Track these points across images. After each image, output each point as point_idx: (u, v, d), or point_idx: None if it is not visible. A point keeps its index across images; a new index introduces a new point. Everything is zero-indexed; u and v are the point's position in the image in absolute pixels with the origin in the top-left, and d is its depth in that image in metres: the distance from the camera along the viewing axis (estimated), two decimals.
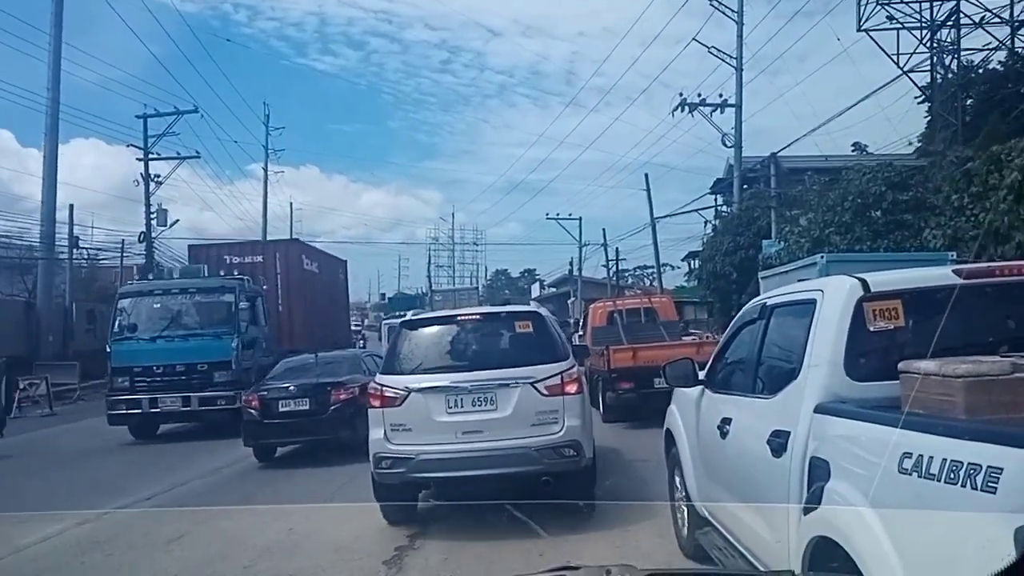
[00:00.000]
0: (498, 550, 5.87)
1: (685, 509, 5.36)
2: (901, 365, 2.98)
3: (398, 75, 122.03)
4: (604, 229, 45.74)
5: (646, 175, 35.74)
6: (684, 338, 14.14)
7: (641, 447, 9.16)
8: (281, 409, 10.57)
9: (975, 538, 2.05)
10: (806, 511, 3.07)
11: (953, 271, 3.59)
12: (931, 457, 2.33)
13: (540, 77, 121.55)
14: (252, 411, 10.66)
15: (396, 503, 6.89)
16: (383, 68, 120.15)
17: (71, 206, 29.14)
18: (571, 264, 49.99)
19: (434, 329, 7.41)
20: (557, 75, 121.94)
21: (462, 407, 6.67)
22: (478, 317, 7.75)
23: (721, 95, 26.26)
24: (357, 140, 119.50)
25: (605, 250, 44.96)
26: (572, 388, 6.79)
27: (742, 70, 26.13)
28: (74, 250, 29.13)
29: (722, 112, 25.88)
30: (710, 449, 4.76)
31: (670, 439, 5.73)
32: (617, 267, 46.22)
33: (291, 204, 52.84)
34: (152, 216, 28.61)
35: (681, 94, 26.25)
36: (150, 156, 28.31)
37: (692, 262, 35.61)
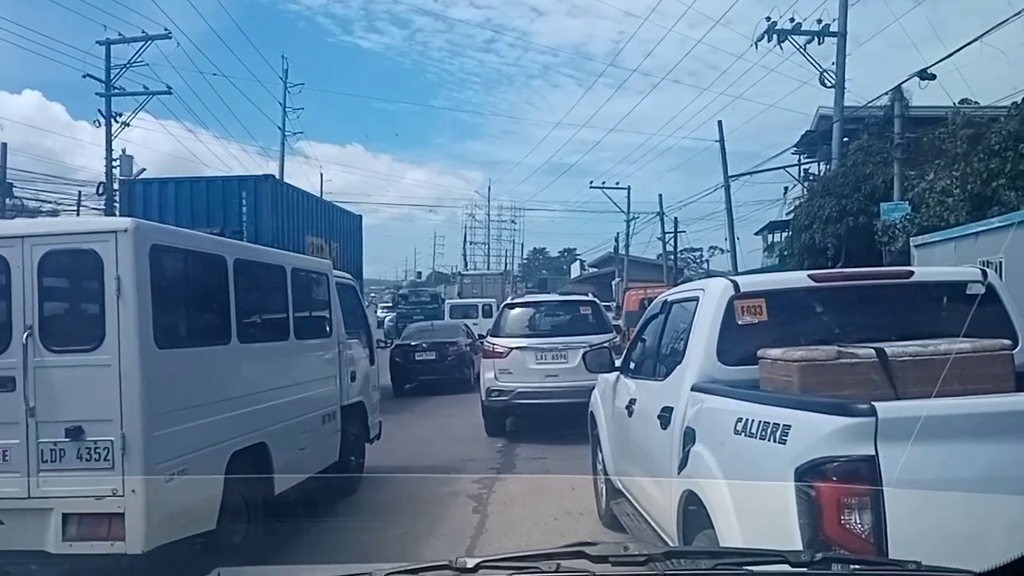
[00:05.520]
0: (554, 452, 9.48)
1: (603, 482, 5.91)
2: (759, 352, 3.50)
3: (442, 54, 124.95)
4: (660, 195, 41.82)
5: (719, 122, 29.21)
6: None
7: None
8: (417, 358, 15.86)
9: (774, 477, 2.61)
10: (679, 471, 3.53)
11: (808, 275, 4.13)
12: (751, 420, 2.88)
13: (585, 57, 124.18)
14: (397, 359, 15.70)
15: (494, 421, 11.02)
16: (427, 47, 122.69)
17: (3, 145, 24.02)
18: (616, 240, 44.77)
19: (526, 309, 11.79)
20: (602, 55, 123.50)
21: (545, 359, 10.51)
22: (555, 302, 12.59)
23: (820, 20, 20.30)
24: (401, 119, 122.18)
25: (662, 220, 39.03)
26: None
27: None
28: (7, 199, 24.40)
29: (820, 43, 20.35)
30: (620, 427, 5.27)
31: (592, 420, 6.37)
32: (676, 240, 39.96)
33: (321, 174, 47.81)
34: (114, 164, 23.98)
35: (769, 18, 20.43)
36: (115, 92, 24.02)
37: (771, 236, 30.88)
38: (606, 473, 5.70)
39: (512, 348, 10.70)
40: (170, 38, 24.13)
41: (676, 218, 38.69)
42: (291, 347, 6.23)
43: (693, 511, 3.30)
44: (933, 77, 15.72)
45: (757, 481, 2.78)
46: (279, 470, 5.65)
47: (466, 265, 60.05)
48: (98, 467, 4.13)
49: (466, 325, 18.87)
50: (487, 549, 5.69)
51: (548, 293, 22.63)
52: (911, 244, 12.46)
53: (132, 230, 4.23)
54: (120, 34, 23.70)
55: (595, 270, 53.54)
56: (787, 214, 23.88)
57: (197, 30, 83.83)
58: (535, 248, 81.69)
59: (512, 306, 12.02)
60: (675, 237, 39.28)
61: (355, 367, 7.83)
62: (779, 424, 2.71)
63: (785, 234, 24.84)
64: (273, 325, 6.05)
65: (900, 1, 52.28)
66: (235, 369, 5.29)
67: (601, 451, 5.93)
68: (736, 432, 2.99)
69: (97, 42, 23.63)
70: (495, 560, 1.57)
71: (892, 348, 3.25)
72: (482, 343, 12.70)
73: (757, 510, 2.83)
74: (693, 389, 3.70)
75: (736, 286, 3.92)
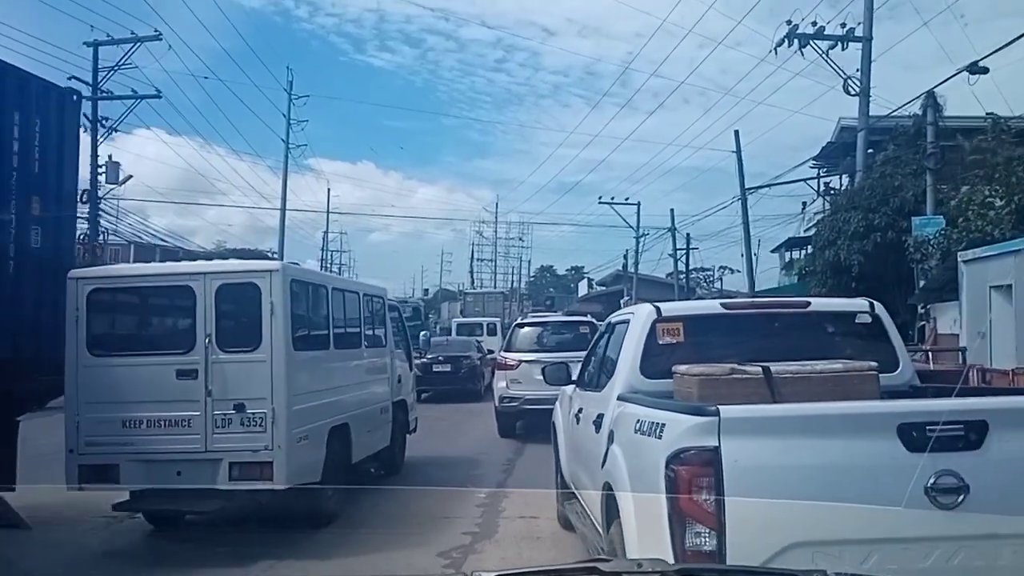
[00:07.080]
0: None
1: (560, 487, 6.41)
2: (673, 368, 4.11)
3: (453, 73, 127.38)
4: (672, 209, 38.72)
5: (736, 132, 28.20)
6: None
7: None
8: (435, 369, 17.83)
9: (655, 465, 3.10)
10: (603, 467, 4.09)
11: (720, 303, 4.92)
12: (644, 421, 3.46)
13: (595, 77, 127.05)
14: (418, 371, 17.64)
15: (506, 424, 12.99)
16: (439, 66, 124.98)
17: None
18: (625, 258, 44.35)
19: (533, 328, 14.20)
20: (612, 76, 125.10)
21: None
22: (558, 322, 14.79)
23: (844, 24, 19.29)
24: (412, 137, 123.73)
25: (673, 236, 38.52)
26: None
27: None
28: None
29: (844, 47, 19.29)
30: (570, 434, 5.84)
31: (554, 431, 6.91)
32: (688, 257, 39.28)
33: (328, 190, 48.30)
34: (100, 171, 23.30)
35: (790, 21, 19.40)
36: (101, 95, 23.34)
37: (789, 253, 30.43)
38: (563, 478, 6.28)
39: (521, 361, 12.73)
40: (160, 39, 23.10)
41: (688, 234, 38.07)
42: (362, 353, 8.21)
43: (611, 501, 3.82)
44: (985, 71, 13.72)
45: (647, 470, 3.26)
46: (355, 446, 7.60)
47: (472, 283, 60.71)
48: (255, 431, 6.08)
49: (478, 341, 20.92)
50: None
51: (554, 312, 24.55)
52: (959, 259, 11.87)
53: (281, 270, 6.25)
54: (108, 35, 22.69)
55: (603, 288, 53.42)
56: (806, 230, 22.95)
57: (208, 47, 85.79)
58: (542, 266, 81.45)
59: (522, 325, 14.27)
60: (687, 253, 38.47)
61: (400, 372, 9.80)
62: (659, 423, 3.27)
63: (805, 251, 23.85)
64: (352, 336, 8.01)
65: (913, 23, 53.56)
66: (332, 368, 7.26)
67: (558, 457, 6.61)
68: (635, 431, 3.56)
69: (85, 43, 22.65)
70: (509, 575, 1.59)
71: (777, 367, 3.84)
72: (493, 358, 14.63)
73: (645, 495, 3.24)
74: (618, 398, 4.26)
75: (659, 311, 4.60)
